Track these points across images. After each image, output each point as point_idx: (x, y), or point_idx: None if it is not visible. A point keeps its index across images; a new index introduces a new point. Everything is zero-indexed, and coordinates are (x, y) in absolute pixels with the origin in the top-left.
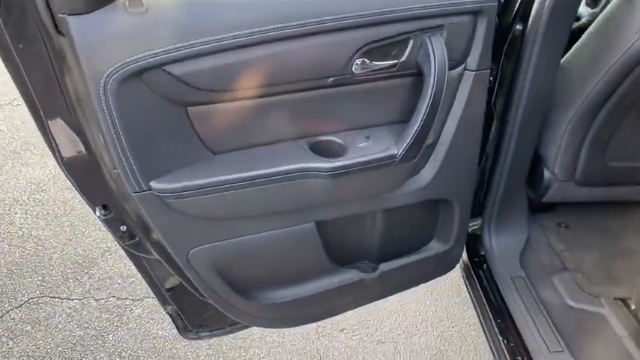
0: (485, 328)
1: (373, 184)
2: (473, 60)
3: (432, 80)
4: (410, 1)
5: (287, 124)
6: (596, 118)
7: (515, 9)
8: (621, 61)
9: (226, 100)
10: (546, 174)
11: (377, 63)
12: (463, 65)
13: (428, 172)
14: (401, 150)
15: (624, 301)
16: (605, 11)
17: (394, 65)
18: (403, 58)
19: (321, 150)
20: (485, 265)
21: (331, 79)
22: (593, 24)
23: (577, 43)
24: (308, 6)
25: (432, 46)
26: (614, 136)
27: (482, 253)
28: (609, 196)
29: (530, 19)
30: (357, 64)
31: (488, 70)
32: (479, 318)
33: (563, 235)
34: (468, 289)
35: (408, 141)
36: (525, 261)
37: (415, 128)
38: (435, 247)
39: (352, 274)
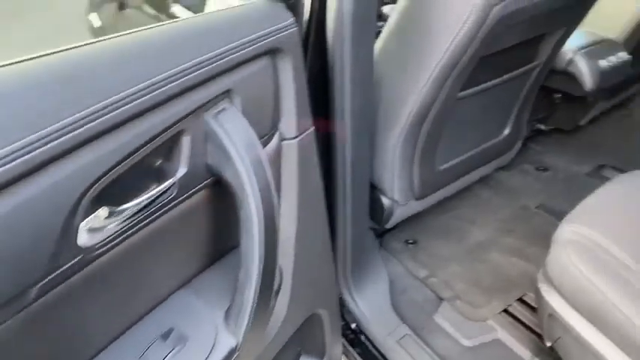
0: None
1: None
2: (288, 122)
3: (248, 192)
4: (153, 68)
5: None
6: (420, 133)
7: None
8: (434, 77)
9: None
10: (386, 202)
11: (129, 206)
12: (276, 136)
13: (280, 305)
14: (241, 335)
15: (507, 311)
16: (401, 16)
17: (168, 192)
18: (180, 173)
19: None
20: (363, 337)
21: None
22: (388, 34)
23: (379, 57)
24: None
25: (224, 132)
26: (440, 141)
27: (354, 324)
28: (442, 195)
29: (330, 44)
30: (85, 229)
31: (313, 129)
32: None
33: (416, 255)
34: None
35: (245, 318)
36: (400, 309)
37: (251, 290)
38: None
39: None
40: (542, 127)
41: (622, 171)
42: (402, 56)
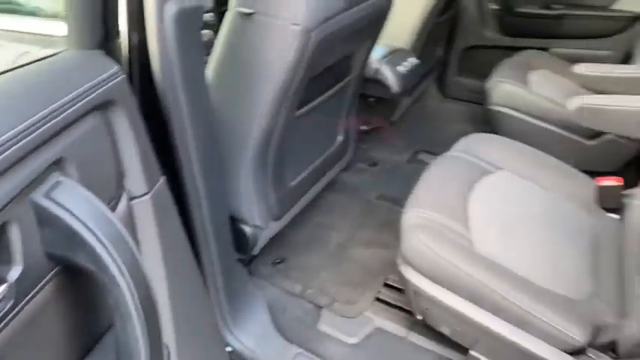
0: None
1: None
2: (136, 179)
3: (113, 272)
4: None
5: None
6: (268, 156)
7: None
8: (272, 101)
9: None
10: (249, 230)
11: None
12: (124, 196)
13: None
14: None
15: (379, 299)
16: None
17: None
18: (15, 274)
19: None
20: None
21: None
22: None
23: (212, 89)
24: None
25: (64, 210)
26: (287, 158)
27: None
28: (298, 209)
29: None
30: None
31: (163, 178)
32: None
33: (287, 273)
34: None
35: None
36: (285, 330)
37: None
38: None
39: None
40: (365, 127)
41: (433, 153)
42: (237, 85)
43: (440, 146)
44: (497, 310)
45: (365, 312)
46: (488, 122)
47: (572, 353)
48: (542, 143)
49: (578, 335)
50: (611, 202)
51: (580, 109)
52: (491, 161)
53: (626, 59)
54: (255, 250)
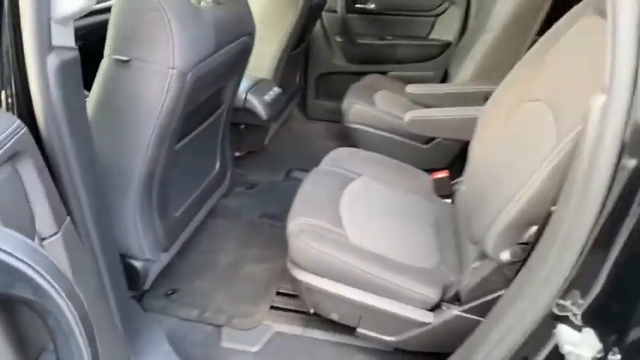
0: None
1: None
2: (46, 221)
3: (56, 299)
4: None
5: None
6: (153, 190)
7: None
8: (154, 138)
9: None
10: (139, 265)
11: None
12: (36, 237)
13: None
14: None
15: (273, 307)
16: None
17: None
18: None
19: None
20: None
21: None
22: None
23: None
24: None
25: None
26: (169, 190)
27: None
28: (184, 238)
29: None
30: None
31: (68, 218)
32: None
33: (182, 301)
34: None
35: None
36: (189, 356)
37: None
38: None
39: None
40: (238, 153)
41: (305, 170)
42: (117, 128)
43: (310, 163)
44: (370, 287)
45: (263, 321)
46: (347, 137)
47: (431, 309)
48: (390, 150)
49: (432, 294)
50: (444, 190)
51: (412, 121)
52: (353, 170)
53: (445, 78)
54: (147, 285)
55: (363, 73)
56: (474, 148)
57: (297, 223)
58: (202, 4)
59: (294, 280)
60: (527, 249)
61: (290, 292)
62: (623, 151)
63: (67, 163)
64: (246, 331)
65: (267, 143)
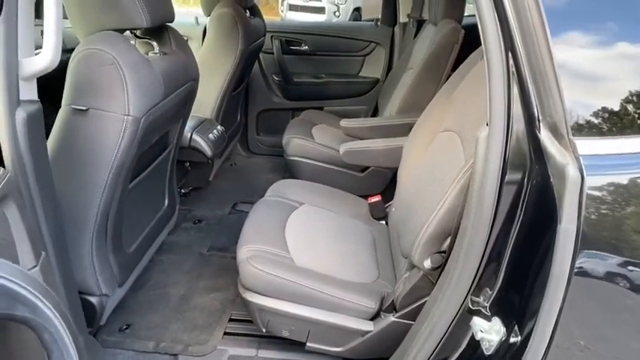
0: None
1: None
2: (26, 256)
3: (51, 317)
4: None
5: None
6: (107, 227)
7: None
8: (110, 178)
9: None
10: (96, 300)
11: None
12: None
13: None
14: None
15: (227, 332)
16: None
17: None
18: None
19: None
20: None
21: None
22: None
23: None
24: None
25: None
26: (123, 227)
27: None
28: (136, 274)
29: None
30: None
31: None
32: None
33: (137, 335)
34: None
35: None
36: None
37: None
38: None
39: None
40: (184, 190)
41: (250, 202)
42: (75, 171)
43: (254, 195)
44: (316, 303)
45: (218, 346)
46: (288, 170)
47: (371, 319)
48: (329, 179)
49: (371, 304)
50: (378, 213)
51: (347, 153)
52: (295, 199)
53: (376, 111)
54: (102, 320)
55: (301, 109)
56: (400, 174)
57: (246, 249)
58: (151, 55)
59: (246, 304)
60: (445, 256)
61: (242, 318)
62: (505, 169)
63: (32, 205)
64: (202, 357)
65: (212, 179)
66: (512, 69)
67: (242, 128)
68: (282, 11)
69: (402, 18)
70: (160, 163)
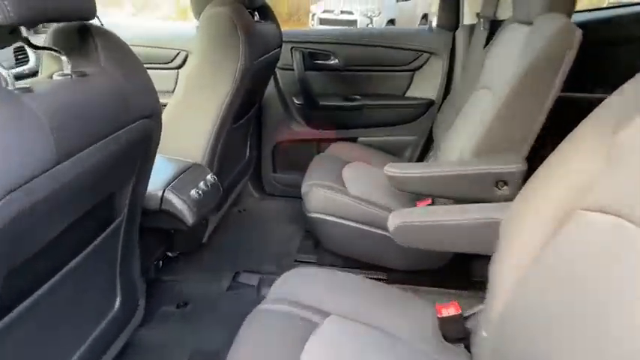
0: None
1: None
2: None
3: None
4: None
5: None
6: None
7: None
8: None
9: None
10: None
11: None
12: None
13: None
14: None
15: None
16: None
17: None
18: None
19: None
20: None
21: None
22: None
23: None
24: None
25: None
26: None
27: None
28: None
29: None
30: None
31: None
32: None
33: None
34: None
35: None
36: None
37: None
38: None
39: None
40: (170, 254)
41: (257, 272)
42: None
43: (263, 258)
44: None
45: None
46: (309, 231)
47: None
48: (367, 248)
49: None
50: (454, 333)
51: (400, 230)
52: (315, 306)
53: (428, 145)
54: None
55: (328, 140)
56: (498, 270)
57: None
58: (56, 77)
59: None
60: None
61: None
62: None
63: None
64: None
65: (206, 241)
66: None
67: (254, 165)
68: (312, 25)
69: (468, 19)
70: (101, 245)
